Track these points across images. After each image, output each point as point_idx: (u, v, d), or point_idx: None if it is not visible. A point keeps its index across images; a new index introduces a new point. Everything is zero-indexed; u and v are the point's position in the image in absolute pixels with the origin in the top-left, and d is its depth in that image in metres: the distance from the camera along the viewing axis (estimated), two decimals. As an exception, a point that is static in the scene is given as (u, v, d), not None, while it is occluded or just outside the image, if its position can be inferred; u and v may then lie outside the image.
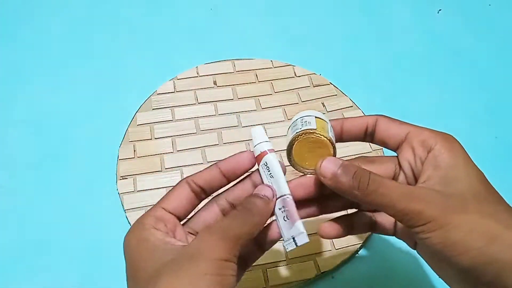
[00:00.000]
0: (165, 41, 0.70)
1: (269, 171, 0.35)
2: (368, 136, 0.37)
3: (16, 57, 0.66)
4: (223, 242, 0.29)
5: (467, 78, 0.69)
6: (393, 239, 0.52)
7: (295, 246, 0.34)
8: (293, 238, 0.34)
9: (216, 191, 0.36)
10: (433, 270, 0.34)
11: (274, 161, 0.35)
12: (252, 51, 0.69)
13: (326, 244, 0.50)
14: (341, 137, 0.37)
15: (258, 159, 0.35)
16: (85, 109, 0.61)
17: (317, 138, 0.34)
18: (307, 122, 0.34)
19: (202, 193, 0.35)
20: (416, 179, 0.34)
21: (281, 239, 0.35)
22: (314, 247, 0.50)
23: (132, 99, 0.61)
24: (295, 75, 0.66)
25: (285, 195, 0.34)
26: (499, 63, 0.71)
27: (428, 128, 0.35)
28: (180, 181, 0.35)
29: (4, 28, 0.70)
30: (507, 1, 0.80)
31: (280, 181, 0.34)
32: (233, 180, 0.36)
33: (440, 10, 0.78)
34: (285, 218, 0.34)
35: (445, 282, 0.33)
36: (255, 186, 0.35)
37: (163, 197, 0.34)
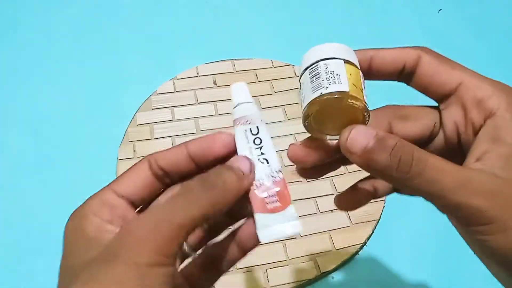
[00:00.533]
0: (165, 41, 0.70)
1: (255, 136, 0.28)
2: (404, 76, 0.28)
3: (15, 57, 0.66)
4: (153, 237, 0.22)
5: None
6: (394, 239, 0.52)
7: (281, 237, 0.26)
8: (277, 226, 0.26)
9: (183, 176, 0.28)
10: (474, 251, 0.28)
11: (264, 126, 0.28)
12: (252, 51, 0.68)
13: (327, 244, 0.50)
14: (369, 76, 0.28)
15: (238, 121, 0.28)
16: (85, 109, 0.61)
17: (349, 106, 0.25)
18: (335, 75, 0.25)
19: (165, 176, 0.27)
20: (460, 147, 0.27)
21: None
22: (314, 247, 0.50)
23: (132, 99, 0.61)
24: (295, 75, 0.66)
25: (276, 172, 0.27)
26: (499, 63, 0.71)
27: (488, 79, 0.26)
28: (142, 159, 0.28)
29: (3, 27, 0.70)
30: (507, 1, 0.80)
31: (270, 152, 0.27)
32: (204, 166, 0.27)
33: (440, 10, 0.78)
34: (269, 201, 0.27)
35: (486, 266, 0.28)
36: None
37: (117, 177, 0.27)
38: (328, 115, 0.25)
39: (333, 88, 0.25)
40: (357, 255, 0.51)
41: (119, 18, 0.72)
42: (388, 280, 0.50)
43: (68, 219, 0.27)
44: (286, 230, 0.26)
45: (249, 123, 0.28)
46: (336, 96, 0.24)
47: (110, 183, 0.27)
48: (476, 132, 0.25)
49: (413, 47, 0.27)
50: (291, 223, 0.26)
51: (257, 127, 0.28)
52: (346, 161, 0.28)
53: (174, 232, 0.22)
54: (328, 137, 0.27)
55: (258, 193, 0.26)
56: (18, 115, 0.60)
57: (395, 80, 0.28)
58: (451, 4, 0.78)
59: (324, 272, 0.49)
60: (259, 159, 0.27)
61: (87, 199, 0.27)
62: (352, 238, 0.51)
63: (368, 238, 0.52)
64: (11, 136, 0.58)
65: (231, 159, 0.27)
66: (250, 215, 0.27)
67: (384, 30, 0.74)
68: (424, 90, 0.27)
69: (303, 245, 0.50)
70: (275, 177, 0.27)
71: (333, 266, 0.49)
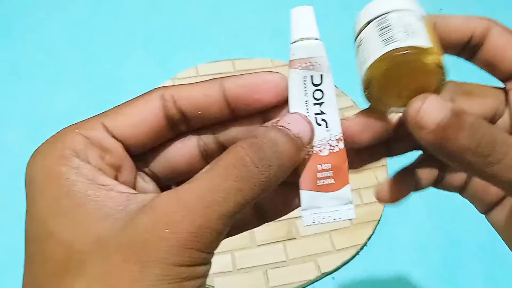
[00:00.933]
0: (165, 41, 0.69)
1: (317, 87, 0.21)
2: (468, 50, 0.24)
3: (14, 58, 0.66)
4: (199, 230, 0.17)
5: (468, 77, 0.69)
6: (394, 239, 0.52)
7: (330, 222, 0.21)
8: (328, 209, 0.21)
9: (207, 125, 0.21)
10: (508, 243, 0.26)
11: (330, 76, 0.21)
12: (252, 51, 0.68)
13: (327, 244, 0.50)
14: None
15: (297, 63, 0.21)
16: (85, 109, 0.61)
17: (428, 66, 0.20)
18: (413, 28, 0.20)
19: (181, 122, 0.21)
20: None
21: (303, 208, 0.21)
22: (314, 247, 0.50)
23: (131, 99, 0.61)
24: (295, 74, 0.66)
25: (336, 139, 0.21)
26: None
27: None
28: (152, 91, 0.21)
29: (3, 27, 0.70)
30: (508, 1, 0.80)
31: (332, 113, 0.21)
32: (242, 116, 0.21)
33: (441, 9, 0.77)
34: (322, 176, 0.21)
35: None
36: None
37: (111, 109, 0.21)
38: (396, 78, 0.20)
39: (412, 41, 0.19)
40: (358, 255, 0.51)
41: (118, 18, 0.72)
42: (388, 280, 0.50)
43: (31, 162, 0.19)
44: (337, 216, 0.21)
45: (313, 68, 0.21)
46: (414, 52, 0.19)
47: (98, 115, 0.20)
48: None
49: (480, 16, 0.24)
50: (345, 207, 0.21)
51: (321, 76, 0.21)
52: (399, 145, 0.25)
53: (222, 224, 0.17)
54: (392, 108, 0.22)
55: (310, 164, 0.21)
56: (18, 116, 0.60)
57: (455, 54, 0.24)
58: (452, 3, 0.78)
59: (325, 273, 0.49)
60: (316, 119, 0.21)
61: (60, 132, 0.19)
62: (353, 238, 0.51)
63: (369, 238, 0.51)
64: (11, 137, 0.58)
65: (286, 118, 0.20)
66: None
67: (384, 29, 0.74)
68: (491, 66, 0.23)
69: (303, 245, 0.50)
70: (333, 146, 0.21)
71: (334, 267, 0.49)
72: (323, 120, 0.21)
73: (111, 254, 0.16)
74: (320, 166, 0.21)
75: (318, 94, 0.21)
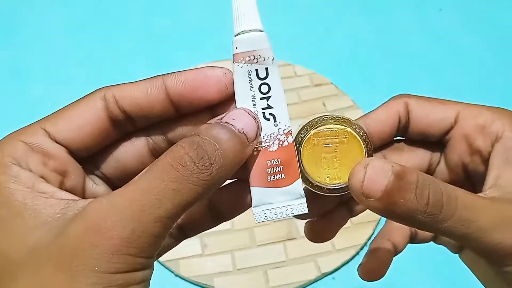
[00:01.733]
0: (165, 41, 0.69)
1: (262, 81, 0.21)
2: (400, 129, 0.24)
3: (13, 58, 0.66)
4: (133, 235, 0.16)
5: (468, 76, 0.69)
6: (394, 239, 0.52)
7: (282, 218, 0.21)
8: (279, 204, 0.21)
9: (154, 123, 0.21)
10: (479, 279, 0.27)
11: (276, 68, 0.21)
12: (252, 50, 0.68)
13: (327, 245, 0.50)
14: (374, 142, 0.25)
15: (240, 57, 0.21)
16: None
17: (339, 129, 0.21)
18: (320, 117, 0.22)
19: (126, 122, 0.20)
20: (467, 178, 0.24)
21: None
22: (314, 248, 0.50)
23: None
24: (295, 74, 0.66)
25: (285, 134, 0.21)
26: (500, 61, 0.71)
27: (483, 105, 0.23)
28: (93, 92, 0.21)
29: (3, 27, 0.70)
30: (508, 0, 0.80)
31: (280, 107, 0.21)
32: (187, 113, 0.21)
33: (441, 9, 0.77)
34: (272, 171, 0.21)
35: None
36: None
37: (52, 113, 0.20)
38: (319, 154, 0.22)
39: (315, 119, 0.22)
40: (358, 255, 0.51)
41: (119, 18, 0.72)
42: (388, 281, 0.50)
43: None
44: (289, 211, 0.21)
45: (257, 61, 0.21)
46: (322, 118, 0.22)
47: (40, 120, 0.20)
48: (485, 160, 0.23)
49: (392, 98, 0.25)
50: (297, 201, 0.21)
51: (266, 69, 0.21)
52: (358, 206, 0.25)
53: (160, 227, 0.17)
54: (331, 188, 0.22)
55: (259, 160, 0.21)
56: (18, 116, 0.60)
57: (393, 138, 0.25)
58: (452, 3, 0.78)
59: (325, 273, 0.49)
60: (264, 114, 0.21)
61: (1, 140, 0.19)
62: (353, 238, 0.51)
63: (369, 238, 0.51)
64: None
65: (231, 113, 0.20)
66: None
67: (384, 29, 0.74)
68: (423, 133, 0.24)
69: (303, 246, 0.50)
70: (282, 141, 0.21)
71: (334, 267, 0.49)
72: (271, 114, 0.21)
73: (43, 263, 0.16)
74: (269, 161, 0.21)
75: (264, 88, 0.21)
